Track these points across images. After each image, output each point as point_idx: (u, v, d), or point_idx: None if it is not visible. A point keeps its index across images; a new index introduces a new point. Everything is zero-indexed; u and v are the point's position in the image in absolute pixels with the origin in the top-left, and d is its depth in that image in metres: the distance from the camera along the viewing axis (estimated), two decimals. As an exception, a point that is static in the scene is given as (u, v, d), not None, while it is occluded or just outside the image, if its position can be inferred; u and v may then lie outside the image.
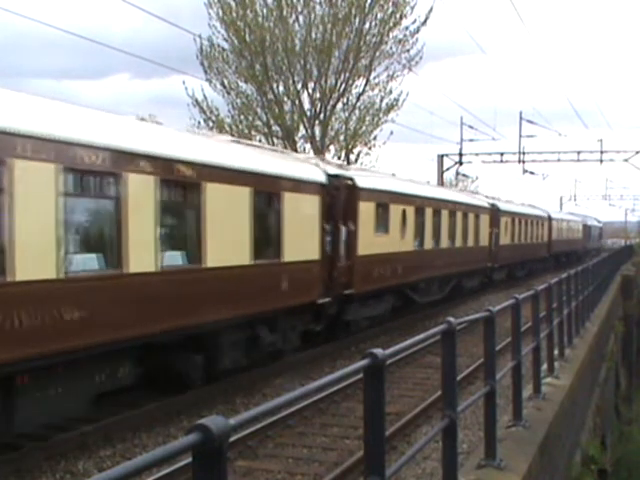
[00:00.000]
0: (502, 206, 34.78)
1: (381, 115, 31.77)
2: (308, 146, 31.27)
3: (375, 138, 32.05)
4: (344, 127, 31.69)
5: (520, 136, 46.64)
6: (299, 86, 30.87)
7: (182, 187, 11.94)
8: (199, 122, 30.31)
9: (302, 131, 31.61)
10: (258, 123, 31.16)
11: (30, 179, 8.89)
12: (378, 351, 4.11)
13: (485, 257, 30.91)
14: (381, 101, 31.70)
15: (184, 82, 30.61)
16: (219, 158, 12.89)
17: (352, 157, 31.99)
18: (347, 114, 31.66)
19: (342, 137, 31.78)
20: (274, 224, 14.51)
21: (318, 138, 31.25)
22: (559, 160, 45.97)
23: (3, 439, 9.20)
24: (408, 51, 31.29)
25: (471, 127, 45.96)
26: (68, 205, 9.49)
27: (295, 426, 11.22)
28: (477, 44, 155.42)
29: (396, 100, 31.76)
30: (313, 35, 30.13)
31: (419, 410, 11.80)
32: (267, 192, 14.26)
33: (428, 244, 23.67)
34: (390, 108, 31.73)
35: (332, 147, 31.92)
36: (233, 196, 13.07)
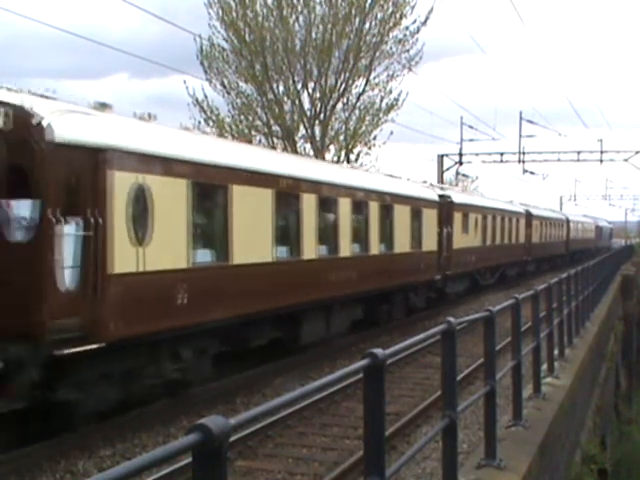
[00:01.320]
0: (533, 211, 43.69)
1: (381, 115, 31.78)
2: (308, 146, 31.30)
3: (375, 138, 32.09)
4: (344, 127, 31.71)
5: (520, 136, 46.70)
6: (299, 86, 30.88)
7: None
8: (199, 122, 30.35)
9: (302, 131, 31.63)
10: (258, 123, 31.17)
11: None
12: (378, 351, 4.11)
13: (522, 252, 39.53)
14: (381, 101, 31.73)
15: (185, 82, 30.67)
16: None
17: (352, 157, 32.01)
18: (347, 114, 31.68)
19: (342, 137, 31.79)
20: (419, 228, 23.06)
21: (318, 138, 31.25)
22: (559, 160, 46.00)
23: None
24: (408, 51, 31.32)
25: (471, 127, 46.03)
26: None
27: (295, 426, 11.23)
28: (477, 44, 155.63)
29: (396, 100, 31.79)
30: (313, 35, 30.13)
31: (419, 410, 11.80)
32: (417, 209, 22.87)
33: (488, 241, 32.23)
34: (390, 108, 31.74)
35: (332, 147, 31.95)
36: (402, 213, 21.48)
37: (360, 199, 18.56)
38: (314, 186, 16.20)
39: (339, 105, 31.42)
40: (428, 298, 24.67)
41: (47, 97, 10.33)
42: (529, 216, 41.20)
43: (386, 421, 4.43)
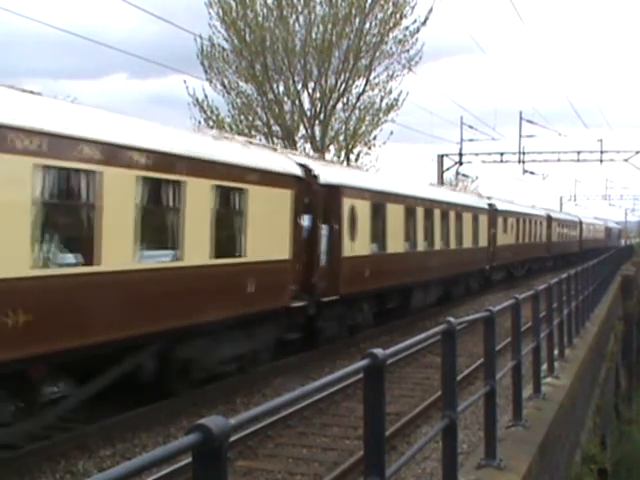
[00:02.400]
0: (553, 215, 49.91)
1: (381, 115, 31.80)
2: (308, 146, 31.30)
3: (375, 138, 32.10)
4: (344, 127, 31.71)
5: (520, 136, 46.67)
6: (299, 86, 30.89)
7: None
8: (199, 122, 30.36)
9: (302, 131, 31.64)
10: (258, 123, 31.18)
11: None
12: (378, 351, 4.11)
13: (544, 250, 45.56)
14: (381, 101, 31.74)
15: (185, 81, 30.68)
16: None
17: (352, 157, 32.02)
18: (347, 114, 31.69)
19: (342, 137, 31.79)
20: (476, 229, 29.64)
21: (318, 138, 31.25)
22: (559, 160, 45.97)
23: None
24: (408, 51, 31.33)
25: (471, 127, 46.01)
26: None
27: (295, 426, 11.23)
28: (477, 44, 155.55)
29: (396, 100, 31.81)
30: (313, 35, 30.14)
31: (419, 410, 11.80)
32: (475, 215, 29.68)
33: (520, 240, 38.65)
34: (390, 108, 31.75)
35: (332, 147, 31.95)
36: (467, 219, 28.29)
37: (444, 209, 25.51)
38: (437, 204, 24.89)
39: (339, 105, 31.46)
40: (479, 283, 32.14)
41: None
42: (549, 219, 47.62)
43: (386, 421, 4.43)
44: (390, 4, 30.58)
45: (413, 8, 30.93)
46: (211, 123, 30.35)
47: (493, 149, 51.54)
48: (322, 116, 31.20)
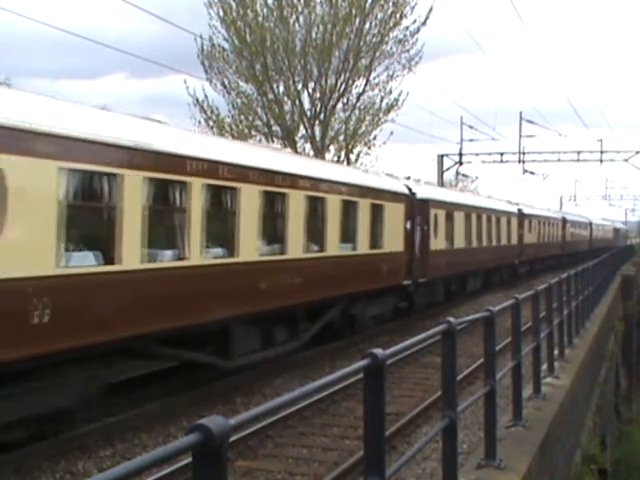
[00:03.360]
0: (567, 217, 55.90)
1: (381, 115, 31.79)
2: (308, 146, 31.29)
3: (375, 138, 32.09)
4: (344, 127, 31.70)
5: (520, 136, 46.68)
6: (299, 86, 30.87)
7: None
8: (199, 122, 30.36)
9: (302, 131, 31.63)
10: (258, 123, 31.17)
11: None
12: (378, 351, 4.11)
13: (558, 248, 50.81)
14: (381, 101, 31.73)
15: (185, 81, 30.67)
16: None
17: (352, 157, 32.01)
18: (347, 114, 31.68)
19: (342, 137, 31.79)
20: (509, 229, 35.34)
21: (318, 138, 31.25)
22: (559, 160, 45.97)
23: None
24: (408, 51, 31.32)
25: (471, 127, 46.03)
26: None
27: (295, 426, 11.22)
28: (477, 44, 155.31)
29: (396, 100, 31.79)
30: (313, 35, 30.12)
31: (419, 410, 11.80)
32: (509, 219, 35.61)
33: (540, 239, 43.91)
34: (390, 108, 31.74)
35: (332, 147, 31.94)
36: (505, 221, 34.42)
37: (489, 214, 31.82)
38: (485, 211, 31.42)
39: (339, 105, 31.44)
40: (509, 275, 37.84)
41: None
42: (564, 221, 53.54)
43: (386, 421, 4.43)
44: (390, 4, 30.58)
45: (413, 8, 30.94)
46: (211, 123, 30.36)
47: (493, 149, 51.61)
48: (322, 116, 31.20)
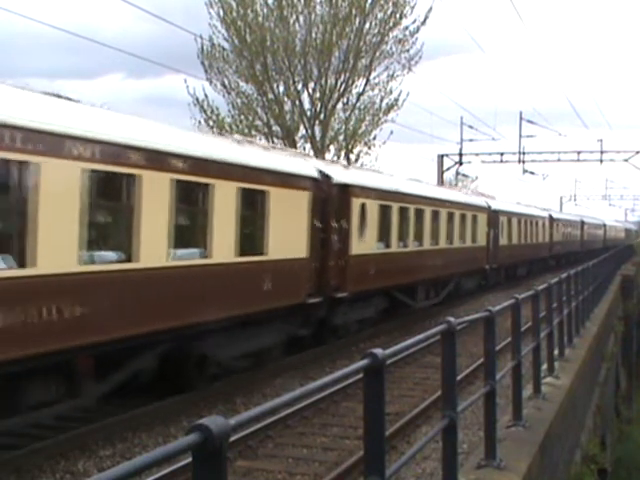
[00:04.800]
0: (584, 219, 63.64)
1: (381, 115, 31.80)
2: (308, 146, 31.29)
3: (375, 138, 32.09)
4: (344, 127, 31.70)
5: (520, 136, 46.68)
6: (299, 86, 30.89)
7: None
8: (200, 122, 30.37)
9: (302, 131, 31.63)
10: (258, 123, 31.18)
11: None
12: (378, 351, 4.11)
13: (578, 246, 58.10)
14: (381, 101, 31.74)
15: (185, 81, 30.68)
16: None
17: (352, 157, 32.01)
18: (347, 114, 31.69)
19: (342, 137, 31.79)
20: (542, 230, 43.94)
21: (318, 138, 31.25)
22: (559, 160, 45.98)
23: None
24: (408, 51, 31.34)
25: (471, 127, 46.03)
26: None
27: (295, 426, 11.22)
28: (476, 43, 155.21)
29: (396, 100, 31.80)
30: (313, 35, 30.13)
31: (419, 410, 11.80)
32: (543, 223, 44.87)
33: (564, 238, 52.24)
34: (390, 108, 31.75)
35: (332, 147, 31.94)
36: (539, 224, 43.31)
37: (532, 220, 41.10)
38: (529, 217, 40.62)
39: (339, 105, 31.46)
40: (542, 267, 44.02)
41: None
42: (582, 223, 61.90)
43: (386, 421, 4.43)
44: (390, 4, 30.60)
45: (413, 8, 30.97)
46: (211, 123, 30.36)
47: (493, 149, 51.53)
48: (322, 116, 31.20)
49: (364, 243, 18.20)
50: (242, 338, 13.41)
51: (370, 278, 18.59)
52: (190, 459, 2.64)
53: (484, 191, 43.65)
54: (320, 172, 16.38)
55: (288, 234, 14.78)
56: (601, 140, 46.47)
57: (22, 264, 8.64)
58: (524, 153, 46.36)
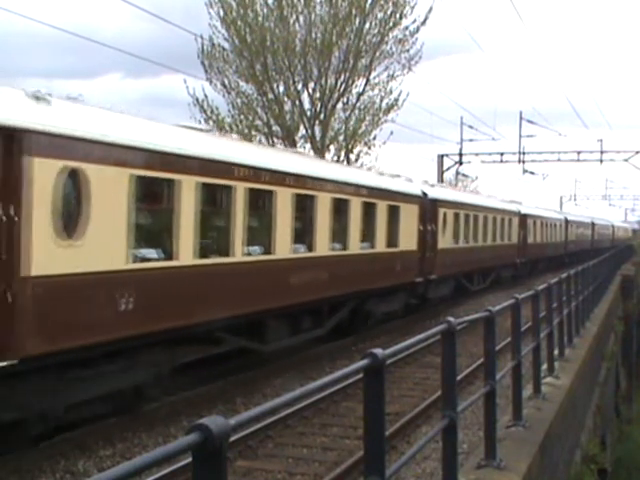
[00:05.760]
0: (595, 221, 70.78)
1: (381, 115, 31.77)
2: (308, 146, 31.28)
3: (375, 138, 32.07)
4: (344, 127, 31.69)
5: (520, 136, 46.67)
6: (299, 86, 30.85)
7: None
8: (200, 122, 30.33)
9: (302, 131, 31.60)
10: (258, 123, 31.15)
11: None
12: (378, 351, 4.11)
13: (589, 245, 63.69)
14: (381, 101, 31.70)
15: (185, 81, 30.66)
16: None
17: (352, 157, 32.00)
18: (347, 114, 31.67)
19: (342, 137, 31.77)
20: (557, 231, 49.33)
21: (318, 138, 31.24)
22: (559, 160, 45.98)
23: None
24: (408, 51, 31.31)
25: (471, 127, 46.04)
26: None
27: (295, 426, 11.22)
28: (476, 43, 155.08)
29: (396, 100, 31.78)
30: (313, 35, 30.10)
31: (419, 410, 11.80)
32: (560, 224, 50.76)
33: (576, 238, 57.00)
34: (390, 108, 31.72)
35: (332, 147, 31.92)
36: (556, 225, 48.84)
37: (551, 222, 46.27)
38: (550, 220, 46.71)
39: (339, 105, 31.41)
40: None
41: None
42: (593, 225, 68.39)
43: (386, 421, 4.43)
44: (390, 4, 30.55)
45: (413, 8, 30.93)
46: (211, 123, 30.35)
47: (493, 149, 51.54)
48: (322, 116, 31.17)
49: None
50: (387, 300, 20.67)
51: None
52: (190, 459, 2.64)
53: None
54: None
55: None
56: (601, 140, 46.54)
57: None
58: (524, 153, 46.38)
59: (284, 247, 14.39)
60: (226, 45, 30.19)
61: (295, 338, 15.76)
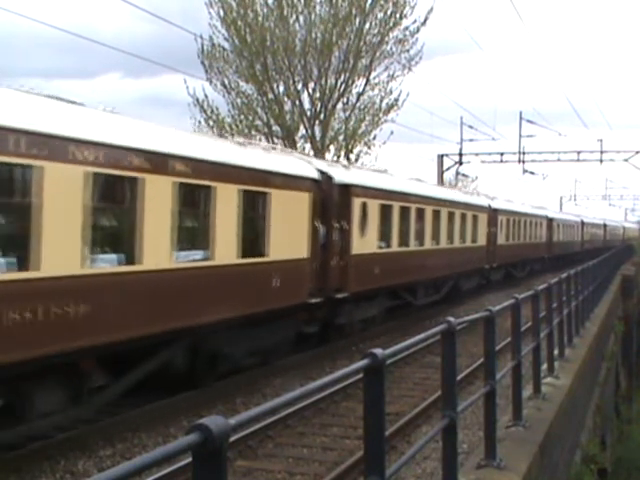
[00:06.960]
0: (607, 222, 79.37)
1: (381, 115, 31.77)
2: (308, 146, 31.28)
3: (375, 138, 32.08)
4: (344, 127, 31.69)
5: (520, 136, 46.65)
6: (299, 86, 30.86)
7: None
8: (200, 121, 30.36)
9: (302, 131, 31.61)
10: (258, 123, 31.15)
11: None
12: (378, 351, 4.11)
13: (602, 244, 69.04)
14: (381, 101, 31.71)
15: (185, 81, 30.67)
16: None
17: (352, 157, 32.00)
18: (347, 114, 31.67)
19: (342, 137, 31.77)
20: (578, 232, 60.53)
21: (318, 138, 31.24)
22: (559, 160, 45.96)
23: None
24: (408, 51, 31.32)
25: (471, 127, 46.02)
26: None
27: (295, 426, 11.23)
28: (476, 43, 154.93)
29: (396, 100, 31.78)
30: (313, 35, 30.10)
31: (419, 410, 11.80)
32: (577, 225, 61.36)
33: (591, 237, 65.46)
34: (390, 108, 31.72)
35: (332, 147, 31.92)
36: (570, 226, 57.66)
37: (570, 224, 55.98)
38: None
39: (339, 105, 31.42)
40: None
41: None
42: (605, 226, 76.83)
43: (386, 421, 4.43)
44: (390, 4, 30.56)
45: (413, 8, 30.94)
46: (211, 123, 30.36)
47: (493, 149, 51.52)
48: (322, 116, 31.18)
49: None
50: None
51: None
52: (190, 459, 2.64)
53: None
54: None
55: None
56: (601, 140, 46.49)
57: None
58: (524, 153, 46.36)
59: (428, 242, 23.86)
60: (226, 45, 30.24)
61: (430, 297, 25.30)
